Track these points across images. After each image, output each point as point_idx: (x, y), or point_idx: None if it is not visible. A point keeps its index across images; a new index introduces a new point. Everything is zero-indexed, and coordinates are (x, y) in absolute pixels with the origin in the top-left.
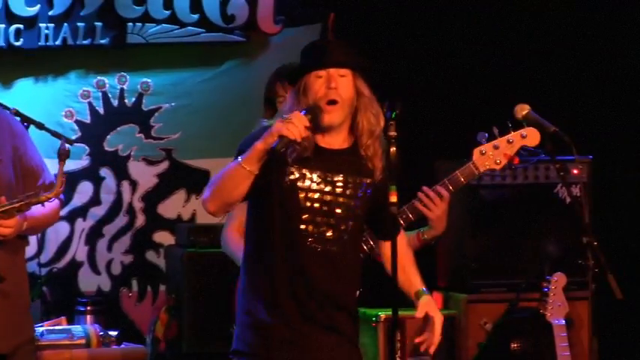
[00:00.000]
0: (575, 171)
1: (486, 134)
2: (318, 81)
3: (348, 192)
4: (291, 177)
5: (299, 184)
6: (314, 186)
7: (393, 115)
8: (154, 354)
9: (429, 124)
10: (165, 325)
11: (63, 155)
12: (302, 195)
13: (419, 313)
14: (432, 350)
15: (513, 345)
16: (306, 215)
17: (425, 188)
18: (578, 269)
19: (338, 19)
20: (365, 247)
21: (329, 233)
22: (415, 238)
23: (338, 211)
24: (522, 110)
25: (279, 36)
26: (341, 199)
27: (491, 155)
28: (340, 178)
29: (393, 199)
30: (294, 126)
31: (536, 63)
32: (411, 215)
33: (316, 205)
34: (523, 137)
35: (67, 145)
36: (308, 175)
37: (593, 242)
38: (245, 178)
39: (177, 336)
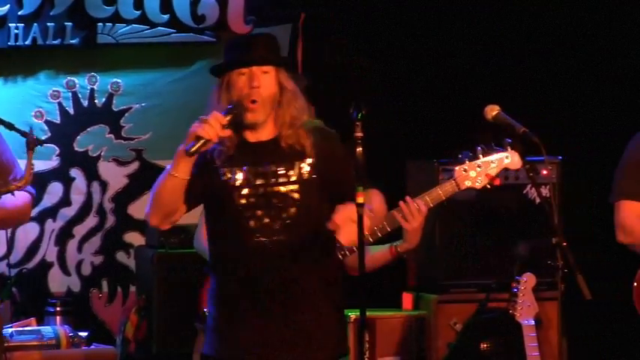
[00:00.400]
0: (545, 172)
1: (470, 153)
2: (241, 78)
3: (281, 180)
4: (223, 178)
5: (231, 183)
6: (247, 181)
7: (359, 116)
8: (124, 355)
9: (400, 124)
10: (136, 325)
11: (31, 144)
12: (236, 193)
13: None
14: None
15: (483, 345)
16: (247, 212)
17: (407, 199)
18: (548, 270)
19: (308, 19)
20: (339, 255)
21: (275, 225)
22: (388, 251)
23: (275, 200)
24: (492, 111)
25: None
26: (276, 189)
27: (473, 175)
28: (272, 168)
29: (360, 200)
30: (210, 126)
31: (505, 64)
32: (387, 225)
33: (252, 199)
34: (506, 159)
35: (35, 135)
36: (238, 172)
37: (563, 243)
38: (177, 186)
39: (147, 337)
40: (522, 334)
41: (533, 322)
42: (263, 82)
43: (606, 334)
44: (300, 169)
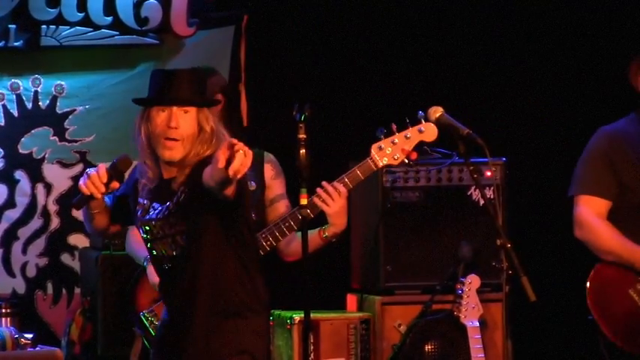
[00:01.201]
0: (489, 173)
1: (384, 129)
2: (160, 115)
3: (171, 219)
4: (139, 209)
5: (140, 215)
6: (153, 215)
7: (303, 118)
8: (69, 356)
9: (342, 125)
10: (80, 327)
11: None
12: (146, 225)
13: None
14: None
15: (427, 347)
16: (155, 242)
17: (324, 183)
18: (492, 271)
19: (251, 21)
20: (265, 244)
21: (174, 253)
22: (317, 236)
23: (166, 231)
24: (435, 112)
25: (193, 38)
26: (167, 230)
27: (390, 151)
28: (161, 204)
29: (303, 201)
30: (91, 183)
31: (448, 65)
32: (309, 211)
33: (155, 231)
34: (420, 132)
35: None
36: (149, 205)
37: (507, 244)
38: (92, 217)
39: (92, 338)
40: (467, 335)
41: (477, 324)
42: (182, 122)
43: (551, 336)
44: (178, 201)
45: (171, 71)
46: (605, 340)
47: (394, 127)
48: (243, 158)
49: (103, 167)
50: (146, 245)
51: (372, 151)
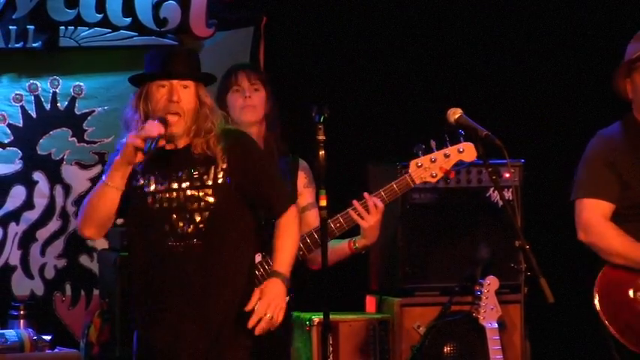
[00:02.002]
0: (507, 175)
1: (423, 146)
2: (160, 90)
3: (196, 184)
4: (139, 183)
5: (145, 189)
6: (159, 187)
7: (322, 119)
8: (88, 358)
9: (361, 126)
10: (99, 329)
11: None
12: (150, 199)
13: (256, 290)
14: (249, 325)
15: (446, 348)
16: (159, 216)
17: (365, 195)
18: (511, 273)
19: (270, 23)
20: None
21: (188, 229)
22: (347, 246)
23: (189, 204)
24: (454, 114)
25: (212, 39)
26: (189, 192)
27: (428, 168)
28: (185, 174)
29: (322, 203)
30: (152, 126)
31: (467, 66)
32: (345, 224)
33: (165, 204)
34: (460, 152)
35: None
36: (152, 177)
37: (525, 246)
38: (114, 197)
39: (110, 340)
40: (485, 337)
41: (496, 325)
42: (183, 96)
43: (569, 337)
44: (215, 174)
45: (167, 48)
46: (615, 342)
47: (433, 144)
48: (269, 323)
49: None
50: (146, 216)
51: (410, 167)
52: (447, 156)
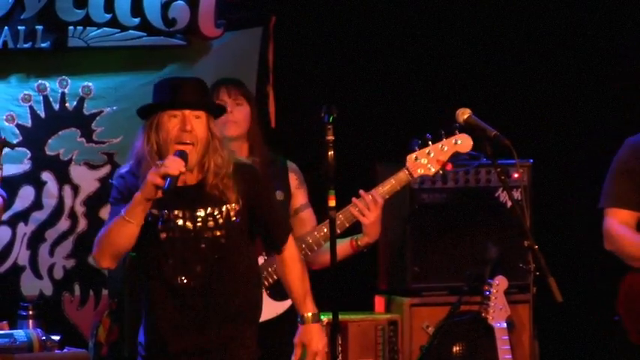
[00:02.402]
0: (516, 175)
1: (419, 140)
2: (172, 120)
3: (210, 224)
4: (152, 216)
5: (159, 224)
6: (179, 223)
7: (330, 119)
8: (97, 358)
9: (368, 126)
10: (108, 329)
11: None
12: (164, 235)
13: (296, 341)
14: None
15: (455, 348)
16: (172, 252)
17: (361, 193)
18: (519, 272)
19: (278, 23)
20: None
21: (197, 268)
22: (349, 245)
23: (202, 245)
24: (463, 114)
25: (220, 39)
26: (205, 234)
27: (425, 162)
28: (201, 212)
29: (332, 203)
30: (175, 163)
31: (475, 66)
32: (345, 221)
33: (178, 241)
34: (456, 144)
35: (3, 136)
36: (168, 213)
37: (534, 246)
38: (132, 232)
39: (119, 340)
40: (494, 336)
41: (505, 325)
42: (195, 125)
43: (578, 337)
44: (228, 212)
45: (178, 78)
46: (634, 348)
47: (429, 137)
48: None
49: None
50: (158, 250)
51: (408, 161)
52: (443, 148)
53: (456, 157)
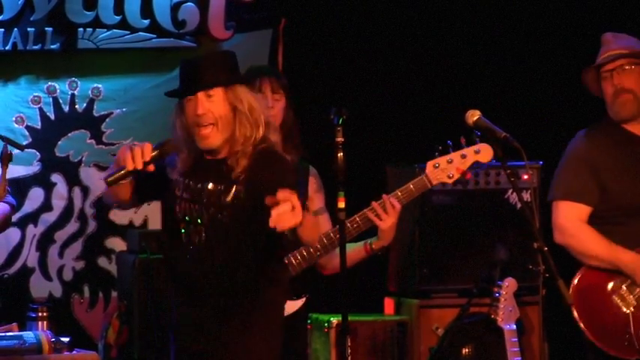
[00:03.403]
0: (526, 176)
1: (440, 147)
2: (190, 105)
3: (215, 200)
4: (172, 188)
5: (176, 195)
6: (185, 194)
7: (340, 121)
8: None
9: (380, 128)
10: (117, 331)
11: (5, 159)
12: (178, 207)
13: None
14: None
15: (464, 350)
16: (183, 226)
17: (383, 196)
18: (529, 274)
19: (289, 24)
20: (294, 262)
21: (201, 240)
22: (362, 248)
23: (200, 220)
24: (473, 116)
25: (230, 41)
26: (210, 208)
27: (445, 169)
28: (209, 187)
29: (341, 204)
30: (133, 157)
31: (485, 68)
32: (362, 224)
33: (188, 215)
34: (476, 153)
35: (9, 149)
36: (183, 185)
37: (544, 248)
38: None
39: (128, 342)
40: (504, 338)
41: (514, 327)
42: (209, 106)
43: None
44: (236, 192)
45: (195, 58)
46: (592, 346)
47: (450, 145)
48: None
49: (149, 146)
50: (177, 226)
51: (427, 168)
52: (463, 157)
53: (474, 167)
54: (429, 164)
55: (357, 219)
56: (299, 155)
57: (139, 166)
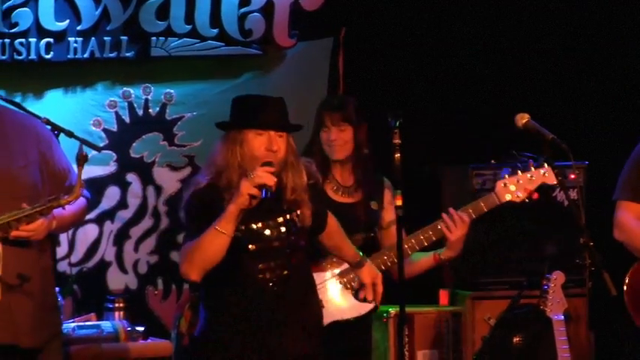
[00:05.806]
0: (572, 176)
1: (509, 169)
2: (258, 139)
3: (282, 233)
4: (237, 232)
5: (244, 235)
6: (266, 233)
7: (397, 124)
8: (179, 348)
9: (434, 130)
10: (189, 321)
11: (81, 160)
12: (252, 246)
13: (367, 280)
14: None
15: (515, 339)
16: (261, 261)
17: (450, 210)
18: (576, 267)
19: (348, 34)
20: (387, 262)
21: (272, 275)
22: (432, 258)
23: (273, 251)
24: (522, 119)
25: (294, 49)
26: (275, 242)
27: (513, 188)
28: (272, 221)
29: (398, 202)
30: (268, 174)
31: (533, 70)
32: (433, 235)
33: (250, 246)
34: (544, 175)
35: (84, 151)
36: (250, 224)
37: (590, 242)
38: (223, 242)
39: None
40: (552, 328)
41: (562, 317)
42: (280, 146)
43: (630, 328)
44: (298, 224)
45: (260, 97)
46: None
47: (519, 166)
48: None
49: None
50: (245, 262)
51: (497, 187)
52: (531, 178)
53: (541, 189)
54: (499, 183)
55: (430, 231)
56: (374, 170)
57: (274, 179)
